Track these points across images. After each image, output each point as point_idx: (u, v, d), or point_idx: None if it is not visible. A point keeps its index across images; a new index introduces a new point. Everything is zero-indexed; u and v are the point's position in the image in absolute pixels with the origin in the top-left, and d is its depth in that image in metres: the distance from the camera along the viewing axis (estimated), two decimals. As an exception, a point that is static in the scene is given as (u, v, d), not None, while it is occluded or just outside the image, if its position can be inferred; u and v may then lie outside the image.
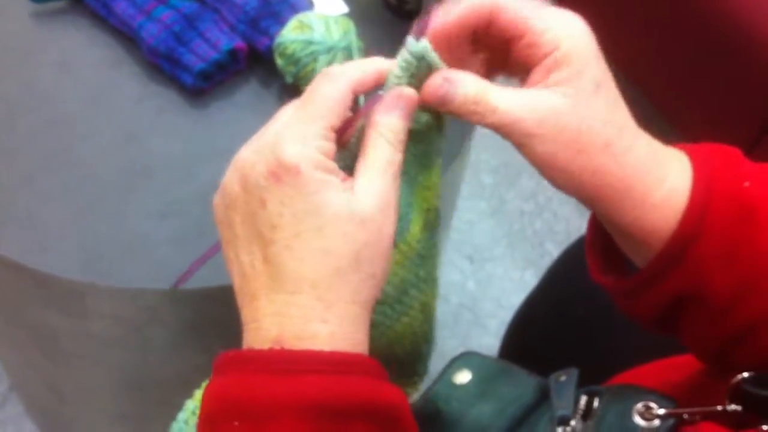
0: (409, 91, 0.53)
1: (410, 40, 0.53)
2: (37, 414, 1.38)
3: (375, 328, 0.60)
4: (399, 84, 0.53)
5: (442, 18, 0.53)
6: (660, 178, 0.51)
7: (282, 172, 0.48)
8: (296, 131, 0.50)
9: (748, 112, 1.56)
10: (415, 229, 0.59)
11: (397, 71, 0.53)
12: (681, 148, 0.53)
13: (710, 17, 1.54)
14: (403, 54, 0.53)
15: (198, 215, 0.86)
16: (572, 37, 0.50)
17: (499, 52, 0.54)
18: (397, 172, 0.52)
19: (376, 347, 0.59)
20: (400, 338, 0.63)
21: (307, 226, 0.48)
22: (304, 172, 0.48)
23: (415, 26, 0.54)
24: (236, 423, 0.46)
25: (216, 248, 0.60)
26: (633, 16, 1.70)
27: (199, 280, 0.81)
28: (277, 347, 0.48)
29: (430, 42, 0.52)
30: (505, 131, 0.51)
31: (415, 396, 0.67)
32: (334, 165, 0.50)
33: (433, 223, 0.61)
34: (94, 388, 1.04)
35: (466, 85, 0.52)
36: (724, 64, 1.57)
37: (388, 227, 0.51)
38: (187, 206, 0.86)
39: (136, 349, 0.92)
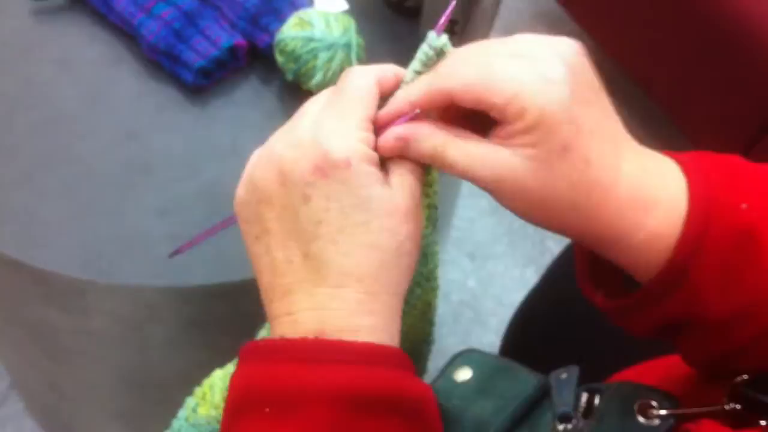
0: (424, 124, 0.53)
1: (432, 34, 0.52)
2: (38, 412, 1.38)
3: None
4: (416, 77, 0.53)
5: (405, 110, 0.52)
6: (637, 224, 0.49)
7: (328, 167, 0.48)
8: (338, 125, 0.50)
9: (748, 110, 1.56)
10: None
11: (416, 65, 0.53)
12: (679, 162, 0.52)
13: (711, 16, 1.54)
14: (424, 48, 0.53)
15: (198, 212, 0.86)
16: (537, 106, 0.47)
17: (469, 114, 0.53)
18: (423, 170, 0.53)
19: None
20: (402, 339, 0.63)
21: (353, 220, 0.49)
22: (354, 165, 0.49)
23: (437, 22, 0.53)
24: (267, 409, 0.46)
25: (216, 228, 0.60)
26: (634, 15, 1.70)
27: (199, 277, 0.81)
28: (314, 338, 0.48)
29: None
30: (470, 181, 0.51)
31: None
32: (376, 156, 0.50)
33: (434, 221, 0.61)
34: (94, 385, 1.04)
35: (423, 143, 0.51)
36: (725, 63, 1.57)
37: (421, 221, 0.52)
38: (187, 203, 0.86)
39: (136, 347, 0.92)
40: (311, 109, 0.52)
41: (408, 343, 0.65)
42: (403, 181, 0.51)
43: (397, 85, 0.54)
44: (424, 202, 0.59)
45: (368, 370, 0.47)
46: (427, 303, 0.65)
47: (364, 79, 0.52)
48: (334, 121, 0.50)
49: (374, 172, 0.49)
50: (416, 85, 0.52)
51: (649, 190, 0.50)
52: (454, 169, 0.51)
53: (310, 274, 0.49)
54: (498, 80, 0.48)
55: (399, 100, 0.52)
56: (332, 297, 0.49)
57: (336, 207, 0.49)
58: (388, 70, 0.53)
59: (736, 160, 0.53)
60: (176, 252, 0.63)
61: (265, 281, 0.52)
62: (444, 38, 0.52)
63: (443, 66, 0.51)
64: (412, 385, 0.49)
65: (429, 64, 0.53)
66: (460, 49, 0.52)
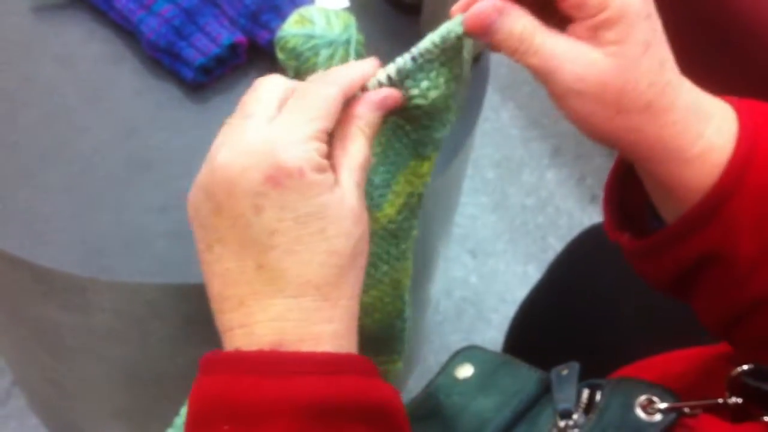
0: (396, 95, 0.53)
1: (459, 17, 0.52)
2: (40, 408, 1.38)
3: None
4: (434, 50, 0.53)
5: None
6: (697, 134, 0.50)
7: (282, 176, 0.47)
8: (293, 133, 0.48)
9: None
10: (390, 210, 0.59)
11: (437, 39, 0.52)
12: (727, 101, 0.52)
13: (713, 14, 1.54)
14: (450, 26, 0.52)
15: (199, 209, 0.85)
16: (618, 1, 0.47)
17: (542, 8, 0.52)
18: (368, 167, 0.53)
19: None
20: (368, 310, 0.64)
21: (310, 229, 0.48)
22: (307, 174, 0.47)
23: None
24: (226, 427, 0.45)
25: None
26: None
27: (200, 275, 0.81)
28: (285, 351, 0.47)
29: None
30: (544, 78, 0.50)
31: (413, 389, 0.67)
32: (327, 164, 0.50)
33: (414, 207, 0.61)
34: (96, 382, 1.04)
35: (514, 20, 0.50)
36: (725, 62, 1.57)
37: (366, 218, 0.51)
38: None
39: (137, 344, 0.92)
40: (258, 110, 0.50)
41: (378, 315, 0.65)
42: (352, 181, 0.50)
43: (362, 86, 0.53)
44: (404, 190, 0.59)
45: (330, 379, 0.46)
46: (396, 280, 0.64)
47: (330, 89, 0.51)
48: (289, 130, 0.49)
49: (326, 179, 0.48)
50: None
51: (704, 102, 0.51)
52: (536, 57, 0.49)
53: (264, 285, 0.48)
54: None
55: None
56: (290, 307, 0.48)
57: (291, 216, 0.47)
58: (354, 76, 0.52)
59: None
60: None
61: (215, 291, 0.51)
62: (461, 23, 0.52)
63: None
64: (375, 390, 0.48)
65: (445, 46, 0.52)
66: None
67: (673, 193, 0.52)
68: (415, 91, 0.54)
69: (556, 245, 1.72)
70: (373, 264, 0.61)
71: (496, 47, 0.51)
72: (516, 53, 0.50)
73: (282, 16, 0.95)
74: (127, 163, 0.88)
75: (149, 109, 0.93)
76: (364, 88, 0.53)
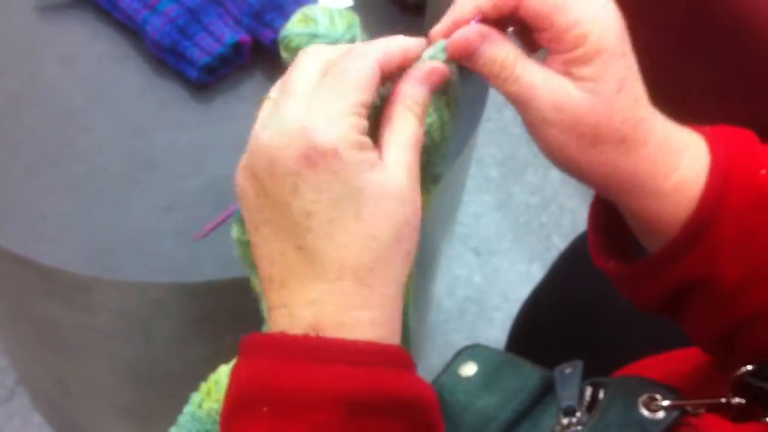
0: (442, 67, 0.52)
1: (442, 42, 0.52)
2: (44, 407, 1.38)
3: None
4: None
5: (465, 11, 0.51)
6: (671, 168, 0.50)
7: (317, 157, 0.46)
8: (329, 110, 0.47)
9: (749, 111, 1.56)
10: None
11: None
12: (698, 131, 0.53)
13: (715, 12, 1.54)
14: (432, 52, 0.52)
15: (203, 208, 0.86)
16: (598, 34, 0.48)
17: (523, 34, 0.53)
18: (420, 146, 0.50)
19: None
20: None
21: (345, 211, 0.46)
22: (342, 154, 0.46)
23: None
24: (265, 409, 0.45)
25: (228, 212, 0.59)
26: (637, 9, 1.70)
27: (205, 273, 0.82)
28: (313, 334, 0.47)
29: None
30: (521, 107, 0.50)
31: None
32: (368, 141, 0.48)
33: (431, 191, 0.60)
34: (100, 381, 1.04)
35: (497, 47, 0.50)
36: (725, 62, 1.57)
37: (418, 201, 0.49)
38: (192, 199, 0.86)
39: (142, 343, 0.92)
40: (299, 87, 0.49)
41: None
42: (399, 160, 0.49)
43: (405, 60, 0.52)
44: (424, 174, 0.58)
45: (370, 371, 0.46)
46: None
47: (364, 60, 0.49)
48: (325, 107, 0.47)
49: (365, 158, 0.47)
50: None
51: (677, 136, 0.51)
52: (515, 85, 0.50)
53: (304, 268, 0.48)
54: (566, 1, 0.48)
55: (463, 4, 0.51)
56: (328, 291, 0.47)
57: (326, 198, 0.46)
58: (393, 48, 0.51)
59: (752, 135, 0.54)
60: (201, 235, 0.61)
61: (263, 271, 0.50)
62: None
63: None
64: (414, 386, 0.48)
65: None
66: None
67: (650, 226, 0.52)
68: None
69: (559, 244, 1.73)
70: None
71: (476, 71, 0.52)
72: (496, 80, 0.51)
73: (286, 16, 0.95)
74: (131, 163, 0.88)
75: (154, 109, 0.93)
76: None
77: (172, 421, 0.73)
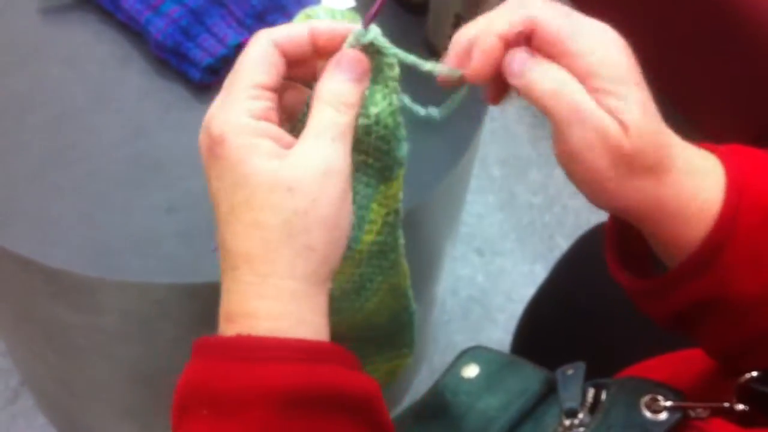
0: (351, 54, 0.51)
1: (357, 28, 0.52)
2: (48, 408, 1.39)
3: (344, 311, 0.60)
4: None
5: (490, 43, 0.51)
6: (693, 193, 0.50)
7: (214, 146, 0.47)
8: (220, 100, 0.49)
9: (748, 111, 1.55)
10: (370, 237, 0.58)
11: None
12: (712, 150, 0.53)
13: (720, 9, 1.54)
14: (349, 40, 0.52)
15: (206, 209, 0.85)
16: (609, 66, 0.48)
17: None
18: (341, 136, 0.49)
19: (355, 321, 0.59)
20: (375, 312, 0.64)
21: (238, 198, 0.47)
22: (227, 139, 0.47)
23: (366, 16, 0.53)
24: (205, 411, 0.46)
25: None
26: (643, 7, 1.70)
27: (208, 274, 0.82)
28: (231, 325, 0.47)
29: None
30: (567, 128, 0.49)
31: (419, 388, 0.67)
32: (263, 127, 0.48)
33: (394, 222, 0.60)
34: (104, 382, 1.04)
35: (548, 67, 0.50)
36: (725, 62, 1.57)
37: (328, 194, 0.47)
38: (196, 200, 0.86)
39: (146, 343, 0.92)
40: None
41: (386, 312, 0.65)
42: (304, 152, 0.48)
43: (314, 40, 0.52)
44: (379, 213, 0.57)
45: (303, 367, 0.46)
46: (394, 285, 0.64)
47: (254, 45, 0.50)
48: (222, 95, 0.49)
49: (254, 144, 0.47)
50: (499, 15, 0.51)
51: (696, 161, 0.51)
52: (564, 106, 0.49)
53: (222, 256, 0.49)
54: (579, 26, 0.49)
55: (486, 35, 0.50)
56: (230, 279, 0.48)
57: (223, 186, 0.47)
58: (294, 29, 0.51)
59: (763, 154, 0.53)
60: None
61: None
62: (373, 33, 0.52)
63: (530, 3, 0.50)
64: (354, 381, 0.48)
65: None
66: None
67: (671, 246, 0.52)
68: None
69: (563, 244, 1.72)
70: (368, 278, 0.61)
71: (526, 92, 0.51)
72: (545, 96, 0.49)
73: (288, 16, 0.95)
74: (135, 164, 0.89)
75: (157, 110, 0.94)
76: None
77: (175, 422, 0.73)
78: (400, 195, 0.58)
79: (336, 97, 0.50)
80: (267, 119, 0.48)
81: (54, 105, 0.93)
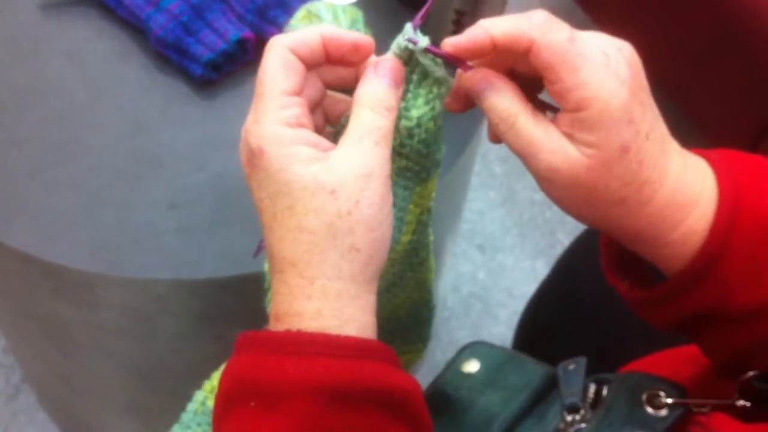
0: (387, 59, 0.52)
1: (408, 26, 0.52)
2: (49, 404, 1.39)
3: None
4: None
5: (480, 37, 0.50)
6: (676, 223, 0.50)
7: (253, 158, 0.49)
8: (252, 114, 0.50)
9: (749, 111, 1.55)
10: (407, 237, 0.60)
11: (395, 49, 0.53)
12: (707, 159, 0.52)
13: (723, 8, 1.53)
14: (399, 41, 0.52)
15: (207, 205, 0.86)
16: (602, 101, 0.47)
17: (532, 79, 0.52)
18: (381, 139, 0.50)
19: (381, 314, 0.60)
20: (401, 305, 0.67)
21: (280, 206, 0.48)
22: (266, 151, 0.48)
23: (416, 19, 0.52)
24: (252, 403, 0.47)
25: None
26: (646, 6, 1.69)
27: (208, 270, 0.82)
28: (278, 324, 0.49)
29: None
30: (521, 159, 0.51)
31: (421, 384, 0.67)
32: (298, 134, 0.49)
33: (425, 220, 0.61)
34: (105, 378, 1.04)
35: (500, 97, 0.51)
36: (726, 62, 1.57)
37: (369, 196, 0.49)
38: (196, 196, 0.86)
39: (146, 339, 0.92)
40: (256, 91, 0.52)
41: (409, 306, 0.68)
42: (344, 154, 0.49)
43: (321, 46, 0.52)
44: (415, 213, 0.59)
45: (349, 363, 0.47)
46: (421, 280, 0.66)
47: (271, 53, 0.50)
48: (254, 107, 0.50)
49: (292, 153, 0.48)
50: (502, 21, 0.50)
51: (690, 189, 0.50)
52: (516, 139, 0.50)
53: (269, 260, 0.51)
54: (578, 56, 0.47)
55: (477, 28, 0.50)
56: (278, 282, 0.50)
57: (266, 195, 0.49)
58: (308, 34, 0.51)
59: (761, 160, 0.53)
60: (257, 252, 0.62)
61: None
62: (423, 42, 0.52)
63: (536, 15, 0.49)
64: (395, 377, 0.49)
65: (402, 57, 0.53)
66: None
67: (656, 263, 0.52)
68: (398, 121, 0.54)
69: (564, 240, 1.72)
70: (399, 275, 0.63)
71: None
72: (497, 128, 0.51)
73: (289, 12, 0.95)
74: (135, 160, 0.88)
75: (157, 106, 0.93)
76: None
77: (176, 418, 0.74)
78: (434, 194, 0.60)
79: (376, 101, 0.51)
80: (300, 126, 0.50)
81: (54, 100, 0.93)
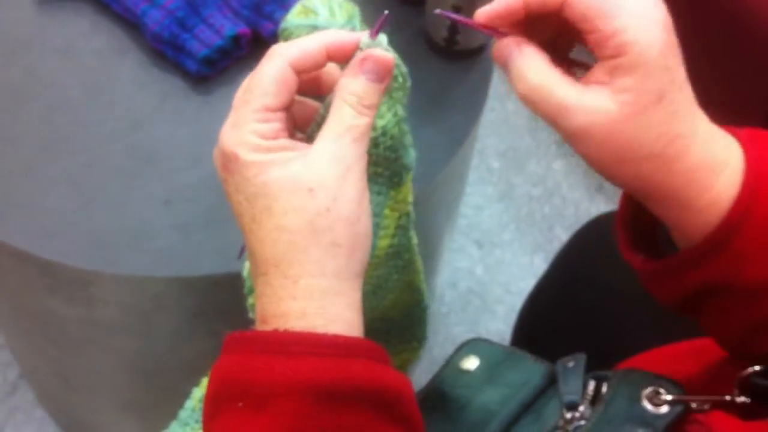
0: (377, 53, 0.52)
1: (364, 36, 0.53)
2: (47, 401, 1.39)
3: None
4: None
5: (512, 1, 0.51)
6: (706, 186, 0.50)
7: (228, 162, 0.50)
8: (232, 118, 0.51)
9: (750, 106, 1.55)
10: (385, 241, 0.60)
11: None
12: (736, 136, 0.52)
13: (716, 9, 1.53)
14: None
15: (202, 202, 0.85)
16: (642, 45, 0.47)
17: (566, 33, 0.53)
18: (360, 136, 0.51)
19: (373, 316, 0.60)
20: (391, 307, 0.67)
21: (259, 207, 0.49)
22: (242, 157, 0.49)
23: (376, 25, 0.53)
24: (240, 404, 0.47)
25: None
26: None
27: (205, 267, 0.81)
28: (265, 326, 0.49)
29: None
30: (552, 125, 0.51)
31: (419, 381, 0.67)
32: (275, 143, 0.50)
33: (406, 224, 0.62)
34: (102, 375, 1.04)
35: (529, 62, 0.51)
36: (727, 58, 1.56)
37: (347, 192, 0.49)
38: (192, 193, 0.86)
39: (143, 336, 0.92)
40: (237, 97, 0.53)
41: (401, 307, 0.68)
42: (322, 152, 0.50)
43: (333, 56, 0.52)
44: (392, 217, 0.59)
45: (339, 362, 0.47)
46: (408, 282, 0.66)
47: (270, 64, 0.51)
48: (233, 115, 0.51)
49: (267, 159, 0.49)
50: None
51: (718, 156, 0.50)
52: (545, 105, 0.50)
53: (251, 264, 0.51)
54: (613, 4, 0.48)
55: None
56: (262, 284, 0.50)
57: (244, 198, 0.50)
58: (310, 45, 0.52)
59: None
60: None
61: None
62: (381, 42, 0.53)
63: None
64: (385, 376, 0.49)
65: None
66: None
67: (678, 232, 0.52)
68: None
69: (562, 235, 1.72)
70: (384, 278, 0.63)
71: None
72: (526, 96, 0.51)
73: (285, 7, 0.95)
74: (131, 156, 0.88)
75: (153, 102, 0.93)
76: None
77: (173, 415, 0.73)
78: (410, 198, 0.60)
79: (357, 98, 0.51)
80: (276, 138, 0.50)
81: (49, 96, 0.92)
